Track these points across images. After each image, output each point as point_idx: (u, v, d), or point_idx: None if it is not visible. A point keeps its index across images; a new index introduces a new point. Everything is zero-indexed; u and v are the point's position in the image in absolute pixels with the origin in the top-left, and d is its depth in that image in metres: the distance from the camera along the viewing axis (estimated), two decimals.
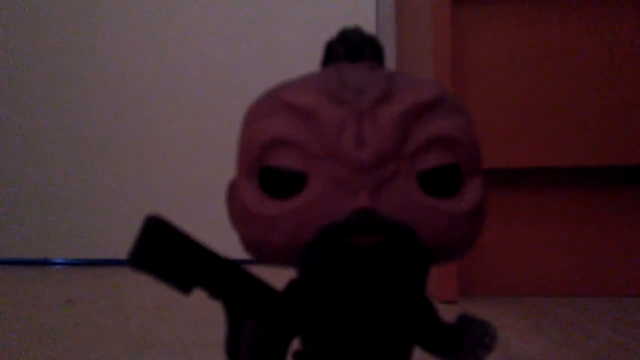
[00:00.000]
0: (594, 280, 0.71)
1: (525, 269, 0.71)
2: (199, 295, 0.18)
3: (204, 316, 0.56)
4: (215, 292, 0.18)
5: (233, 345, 0.19)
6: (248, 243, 0.19)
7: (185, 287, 0.18)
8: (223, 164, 1.07)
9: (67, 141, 1.12)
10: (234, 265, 0.18)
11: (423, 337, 0.20)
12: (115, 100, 1.12)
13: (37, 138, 1.12)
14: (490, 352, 0.19)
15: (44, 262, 1.11)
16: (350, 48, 0.20)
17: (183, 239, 0.17)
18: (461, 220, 0.19)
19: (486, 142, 0.66)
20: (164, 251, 0.17)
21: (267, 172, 0.18)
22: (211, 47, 1.11)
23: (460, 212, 0.19)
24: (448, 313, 0.21)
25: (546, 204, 0.72)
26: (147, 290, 0.72)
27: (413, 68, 0.87)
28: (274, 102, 0.19)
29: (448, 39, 0.68)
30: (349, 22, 1.14)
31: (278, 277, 0.22)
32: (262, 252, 0.19)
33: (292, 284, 0.20)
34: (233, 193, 0.20)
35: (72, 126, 1.12)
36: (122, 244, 1.01)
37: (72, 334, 0.49)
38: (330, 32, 0.22)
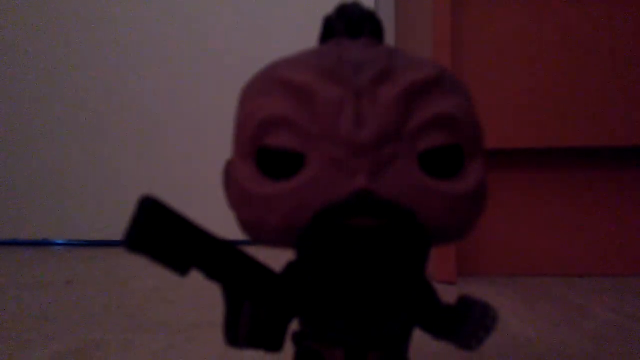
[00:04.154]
0: (592, 260, 0.71)
1: (523, 250, 0.71)
2: (197, 276, 0.18)
3: (203, 296, 0.56)
4: (212, 274, 0.18)
5: (232, 326, 0.19)
6: (245, 224, 0.19)
7: (181, 269, 0.17)
8: (223, 145, 1.06)
9: (67, 123, 1.11)
10: (231, 246, 0.18)
11: (423, 319, 0.20)
12: (114, 84, 1.11)
13: (37, 121, 1.12)
14: (491, 334, 0.19)
15: (44, 243, 1.11)
16: (349, 23, 0.19)
17: (178, 220, 0.17)
18: (462, 202, 0.18)
19: (483, 123, 0.66)
20: (159, 233, 0.16)
21: (264, 152, 0.18)
22: (209, 27, 1.10)
23: (461, 193, 0.18)
24: (447, 294, 0.21)
25: (544, 184, 0.72)
26: (146, 271, 0.73)
27: (412, 44, 0.85)
28: (270, 80, 0.18)
29: (448, 16, 0.67)
30: None
31: (276, 259, 0.22)
32: (259, 234, 0.19)
33: (290, 266, 0.20)
34: (230, 173, 0.20)
35: (71, 108, 1.11)
36: (122, 225, 1.01)
37: (72, 315, 0.49)
38: (328, 7, 0.21)
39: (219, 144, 1.07)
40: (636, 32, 0.66)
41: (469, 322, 0.19)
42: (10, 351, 0.38)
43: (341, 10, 0.20)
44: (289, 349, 0.20)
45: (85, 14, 1.11)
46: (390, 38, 1.04)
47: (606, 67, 0.67)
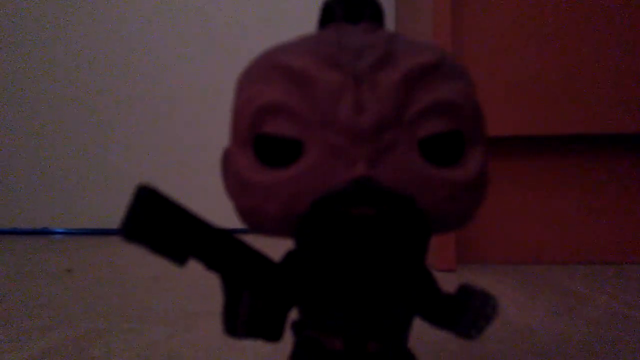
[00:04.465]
0: (592, 248, 0.71)
1: (523, 237, 0.71)
2: (197, 265, 0.18)
3: (202, 286, 0.56)
4: (210, 264, 0.18)
5: (231, 316, 0.19)
6: (243, 213, 0.19)
7: (179, 259, 0.17)
8: (221, 133, 1.06)
9: (68, 111, 1.11)
10: (230, 235, 0.18)
11: (423, 308, 0.20)
12: (114, 74, 1.10)
13: (38, 109, 1.11)
14: (491, 323, 0.19)
15: (44, 232, 1.11)
16: (348, 7, 0.19)
17: (176, 209, 0.17)
18: (462, 190, 0.18)
19: (484, 110, 0.65)
20: (156, 222, 0.16)
21: (262, 139, 0.18)
22: (207, 16, 1.09)
23: (462, 181, 0.18)
24: (446, 281, 0.21)
25: (544, 172, 0.72)
26: (146, 260, 0.73)
27: (412, 29, 0.85)
28: (267, 66, 0.18)
29: (448, 1, 0.66)
30: None
31: (274, 248, 0.22)
32: (257, 222, 0.18)
33: (289, 255, 0.19)
34: (227, 161, 0.19)
35: (70, 98, 1.11)
36: (122, 214, 1.00)
37: (71, 303, 0.49)
38: None
39: (217, 132, 1.07)
40: (635, 19, 0.66)
41: (469, 311, 0.19)
42: (10, 340, 0.38)
43: None
44: (288, 338, 0.20)
45: (85, 7, 1.10)
46: (390, 23, 1.03)
47: (604, 55, 0.66)
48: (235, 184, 0.19)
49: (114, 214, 1.09)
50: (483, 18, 0.67)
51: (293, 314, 0.20)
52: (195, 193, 1.04)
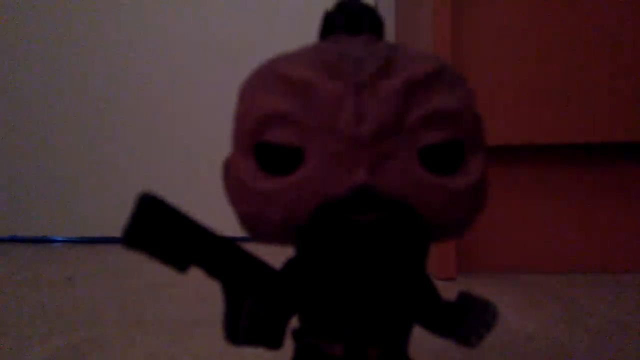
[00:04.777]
0: (592, 256, 0.71)
1: (523, 246, 0.71)
2: (197, 272, 0.18)
3: (203, 294, 0.56)
4: (212, 271, 0.18)
5: (231, 323, 0.19)
6: (244, 219, 0.19)
7: (181, 266, 0.17)
8: (222, 141, 1.06)
9: (67, 120, 1.11)
10: (231, 243, 0.18)
11: (423, 315, 0.20)
12: (114, 82, 1.11)
13: (36, 118, 1.11)
14: (491, 330, 0.19)
15: (44, 240, 1.11)
16: (349, 18, 0.19)
17: (177, 216, 0.17)
18: (461, 197, 0.18)
19: (484, 118, 0.65)
20: (158, 229, 0.16)
21: (263, 147, 0.18)
22: (209, 22, 1.09)
23: (461, 189, 0.18)
24: (447, 290, 0.21)
25: (545, 180, 0.72)
26: (146, 268, 0.73)
27: (412, 41, 0.85)
28: (269, 75, 0.18)
29: (448, 13, 0.66)
30: None
31: (275, 256, 0.22)
32: (258, 229, 0.19)
33: (289, 263, 0.20)
34: (229, 169, 0.20)
35: (70, 106, 1.11)
36: (122, 222, 1.00)
37: (71, 311, 0.49)
38: (328, 2, 0.21)
39: (219, 140, 1.07)
40: (636, 27, 0.66)
41: (469, 319, 0.19)
42: (10, 347, 0.38)
43: (341, 6, 0.20)
44: (289, 346, 0.20)
45: (86, 10, 1.10)
46: (390, 35, 1.04)
47: (606, 63, 0.66)
48: (237, 190, 0.19)
49: (114, 222, 1.09)
50: (483, 29, 0.68)
51: (293, 322, 0.20)
52: (197, 201, 1.04)
